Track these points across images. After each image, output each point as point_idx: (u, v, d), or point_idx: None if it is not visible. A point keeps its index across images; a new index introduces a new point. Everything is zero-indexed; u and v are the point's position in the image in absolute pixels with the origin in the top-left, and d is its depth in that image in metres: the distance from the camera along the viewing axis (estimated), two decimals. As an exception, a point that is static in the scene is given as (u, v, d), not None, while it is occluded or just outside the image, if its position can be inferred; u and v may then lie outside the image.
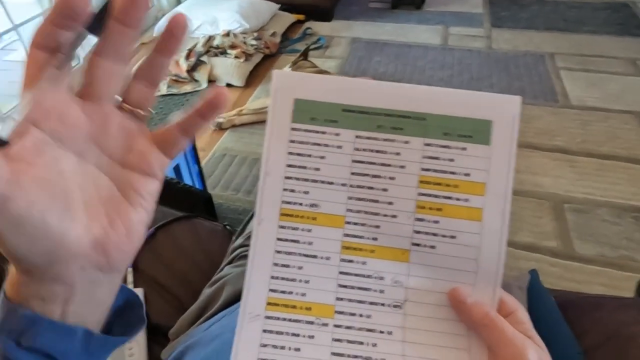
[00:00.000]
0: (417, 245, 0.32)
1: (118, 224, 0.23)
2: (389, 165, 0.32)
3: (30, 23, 1.89)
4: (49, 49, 0.21)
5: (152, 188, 0.25)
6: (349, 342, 0.31)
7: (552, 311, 0.55)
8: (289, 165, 0.33)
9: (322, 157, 0.33)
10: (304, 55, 1.91)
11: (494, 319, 0.29)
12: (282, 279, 0.32)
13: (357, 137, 0.32)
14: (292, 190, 0.33)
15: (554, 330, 0.52)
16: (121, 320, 0.28)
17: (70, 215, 0.21)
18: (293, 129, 0.33)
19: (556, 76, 1.98)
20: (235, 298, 0.52)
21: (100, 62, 0.22)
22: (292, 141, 0.33)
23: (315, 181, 0.33)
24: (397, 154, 0.32)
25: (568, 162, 1.49)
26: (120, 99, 0.24)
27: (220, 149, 1.65)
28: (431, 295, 0.31)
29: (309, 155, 0.33)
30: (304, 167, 0.33)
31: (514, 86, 1.95)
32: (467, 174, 0.31)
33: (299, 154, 0.33)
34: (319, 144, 0.33)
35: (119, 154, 0.24)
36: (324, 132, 0.33)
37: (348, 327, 0.31)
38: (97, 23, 0.21)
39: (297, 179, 0.33)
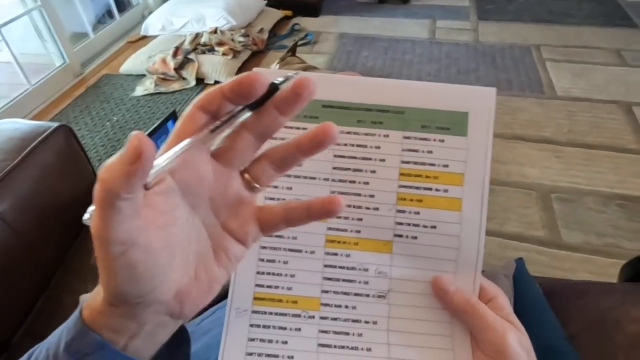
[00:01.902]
0: (400, 236, 0.32)
1: (202, 279, 0.24)
2: (369, 158, 0.33)
3: (14, 23, 1.86)
4: (209, 113, 0.22)
5: (239, 253, 0.26)
6: (335, 333, 0.32)
7: (537, 298, 0.56)
8: None
9: None
10: (292, 51, 1.90)
11: (475, 305, 0.29)
12: (268, 273, 0.33)
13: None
14: (275, 187, 0.33)
15: (540, 316, 0.53)
16: (169, 353, 0.28)
17: (173, 261, 0.23)
18: None
19: (542, 68, 2.00)
20: (227, 293, 0.52)
21: (245, 134, 0.24)
22: (274, 138, 0.33)
23: (298, 177, 0.33)
24: (378, 147, 0.33)
25: (554, 152, 1.52)
26: (243, 168, 0.25)
27: (209, 146, 1.64)
28: (414, 284, 0.32)
29: None
30: None
31: (501, 78, 1.97)
32: (445, 165, 0.32)
33: None
34: None
35: (225, 216, 0.25)
36: (304, 129, 0.33)
37: (334, 319, 0.32)
38: (258, 102, 0.23)
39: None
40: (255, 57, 2.22)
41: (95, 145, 1.68)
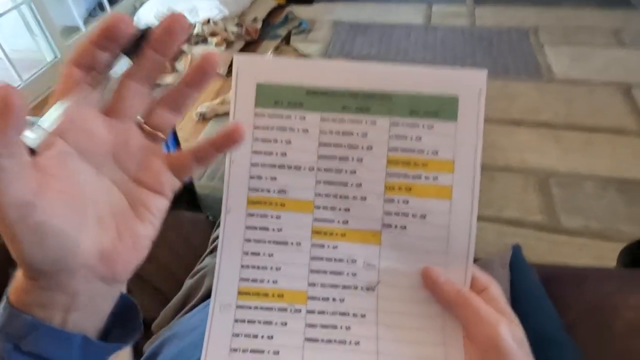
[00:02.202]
0: (388, 226, 0.31)
1: (126, 237, 0.24)
2: (356, 146, 0.31)
3: (4, 19, 1.83)
4: (85, 67, 0.22)
5: (161, 205, 0.26)
6: (323, 326, 0.31)
7: (534, 287, 0.55)
8: (255, 152, 0.32)
9: (288, 142, 0.32)
10: (286, 40, 1.88)
11: (467, 297, 0.28)
12: (253, 267, 0.32)
13: (322, 119, 0.32)
14: (259, 177, 0.32)
15: (536, 305, 0.52)
16: (119, 326, 0.28)
17: (84, 226, 0.22)
18: (257, 114, 0.32)
19: (540, 51, 1.98)
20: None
21: (130, 83, 0.24)
22: (257, 127, 0.32)
23: (282, 167, 0.32)
24: (364, 134, 0.31)
25: (553, 137, 1.50)
26: (142, 119, 0.25)
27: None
28: (404, 276, 0.31)
29: (275, 141, 0.32)
30: (270, 153, 0.32)
31: (498, 63, 1.94)
32: (435, 152, 0.31)
33: (264, 140, 0.32)
34: (284, 129, 0.32)
35: (134, 171, 0.25)
36: (288, 116, 0.32)
37: (321, 312, 0.31)
38: (134, 47, 0.23)
39: (264, 165, 0.32)
40: (250, 47, 2.19)
41: (89, 141, 1.66)
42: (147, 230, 0.25)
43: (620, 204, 1.25)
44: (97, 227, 0.23)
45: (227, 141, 0.26)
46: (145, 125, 0.25)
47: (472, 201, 0.30)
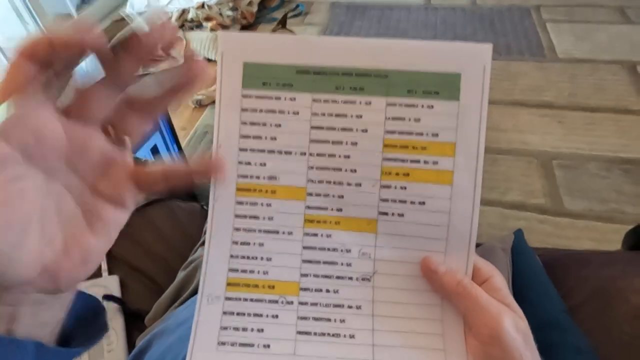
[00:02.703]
0: (385, 214, 0.30)
1: (74, 251, 0.22)
2: (350, 129, 0.30)
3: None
4: (41, 62, 0.19)
5: (118, 218, 0.24)
6: (315, 319, 0.29)
7: (537, 272, 0.54)
8: (243, 136, 0.30)
9: (278, 125, 0.30)
10: (283, 23, 1.84)
11: (468, 287, 0.27)
12: (242, 257, 0.30)
13: (314, 100, 0.30)
14: (248, 163, 0.30)
15: (539, 290, 0.51)
16: (83, 328, 0.26)
17: (24, 241, 0.19)
18: (244, 95, 0.30)
19: (542, 30, 1.93)
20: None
21: (96, 85, 0.21)
22: (244, 109, 0.30)
23: (272, 152, 0.30)
24: (359, 116, 0.30)
25: (556, 117, 1.47)
26: (108, 122, 0.23)
27: (201, 126, 1.60)
28: (401, 266, 0.29)
29: (264, 124, 0.30)
30: (259, 137, 0.30)
31: (500, 43, 1.89)
32: (435, 134, 0.29)
33: (252, 123, 0.30)
34: (273, 111, 0.30)
35: (92, 178, 0.23)
36: (278, 98, 0.30)
37: (314, 304, 0.30)
38: (107, 56, 0.21)
39: (253, 150, 0.30)
40: (245, 30, 2.15)
41: (85, 130, 1.64)
42: (100, 243, 0.23)
43: (625, 185, 1.22)
44: (39, 240, 0.20)
45: (206, 173, 0.25)
46: (110, 129, 0.23)
47: (474, 186, 0.29)
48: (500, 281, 0.28)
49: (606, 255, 0.60)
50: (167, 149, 1.20)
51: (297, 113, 0.30)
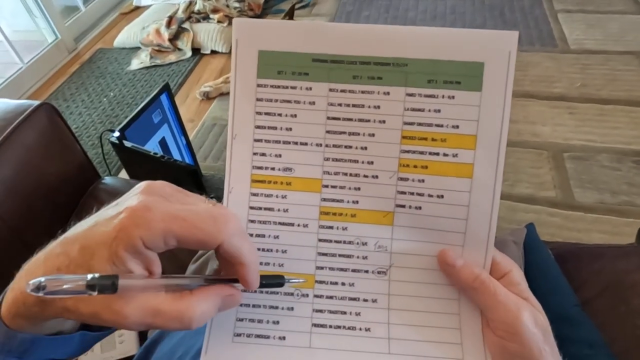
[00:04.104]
0: (402, 206, 0.29)
1: None
2: (367, 120, 0.29)
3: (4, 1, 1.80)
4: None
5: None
6: (331, 312, 0.29)
7: (549, 265, 0.53)
8: (258, 127, 0.30)
9: (293, 116, 0.30)
10: (290, 15, 1.82)
11: (486, 282, 0.27)
12: (258, 249, 0.30)
13: (330, 90, 0.29)
14: (263, 154, 0.30)
15: (552, 284, 0.51)
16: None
17: None
18: (259, 85, 0.30)
19: (554, 19, 1.90)
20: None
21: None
22: (259, 99, 0.30)
23: (287, 143, 0.30)
24: (377, 107, 0.29)
25: (567, 109, 1.45)
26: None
27: (209, 118, 1.60)
28: (418, 259, 0.29)
29: (279, 115, 0.30)
30: (275, 128, 0.30)
31: (510, 33, 1.87)
32: (455, 126, 0.28)
33: (267, 114, 0.30)
34: (289, 101, 0.30)
35: None
36: (294, 87, 0.29)
37: (330, 297, 0.29)
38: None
39: (268, 141, 0.30)
40: (252, 23, 2.14)
41: (94, 122, 1.65)
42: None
43: (637, 177, 1.21)
44: None
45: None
46: None
47: (495, 180, 0.28)
48: (519, 275, 0.28)
49: (620, 249, 0.60)
50: (175, 141, 1.20)
51: (313, 103, 0.29)
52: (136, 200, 0.22)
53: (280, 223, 0.30)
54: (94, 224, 0.23)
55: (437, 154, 0.28)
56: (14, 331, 0.24)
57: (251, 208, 0.30)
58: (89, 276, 0.20)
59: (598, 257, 0.58)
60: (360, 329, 0.29)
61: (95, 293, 0.20)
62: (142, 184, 0.24)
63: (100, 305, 0.22)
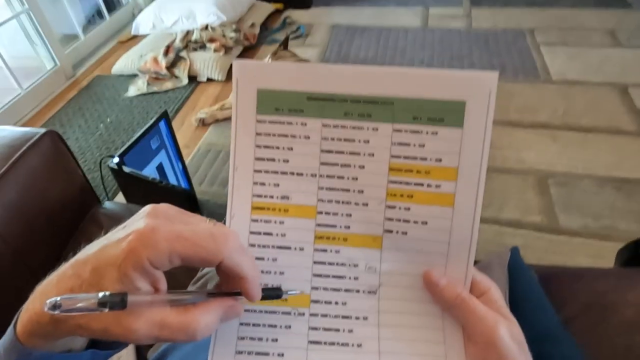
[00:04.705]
0: (390, 231, 0.32)
1: None
2: (358, 153, 0.31)
3: (2, 27, 1.84)
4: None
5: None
6: (326, 329, 0.31)
7: (532, 286, 0.56)
8: (257, 159, 0.32)
9: (290, 149, 0.32)
10: (284, 44, 1.88)
11: (466, 299, 0.29)
12: None
13: (324, 125, 0.31)
14: (262, 184, 0.32)
15: (535, 304, 0.53)
16: None
17: None
18: (258, 120, 0.32)
19: (536, 51, 1.99)
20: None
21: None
22: (259, 134, 0.32)
23: (284, 173, 0.32)
24: (366, 141, 0.31)
25: (550, 136, 1.51)
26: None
27: (204, 144, 1.63)
28: (405, 278, 0.32)
29: (277, 147, 0.32)
30: (273, 160, 0.32)
31: (495, 63, 1.95)
32: (438, 160, 0.30)
33: (266, 147, 0.32)
34: (286, 135, 0.32)
35: None
36: (290, 123, 0.32)
37: (324, 315, 0.32)
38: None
39: (267, 171, 0.32)
40: (248, 52, 2.21)
41: (90, 148, 1.67)
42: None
43: (618, 202, 1.25)
44: None
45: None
46: None
47: (474, 208, 0.30)
48: (497, 293, 0.30)
49: (599, 271, 0.63)
50: (172, 166, 1.22)
51: (308, 137, 0.32)
52: (143, 223, 0.24)
53: (278, 247, 0.32)
54: (104, 246, 0.25)
55: (422, 184, 0.31)
56: (29, 349, 0.26)
57: (251, 233, 0.32)
58: (100, 294, 0.22)
59: (579, 278, 0.61)
60: (353, 345, 0.31)
61: (107, 309, 0.22)
62: (147, 207, 0.26)
63: (111, 321, 0.23)
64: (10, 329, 0.27)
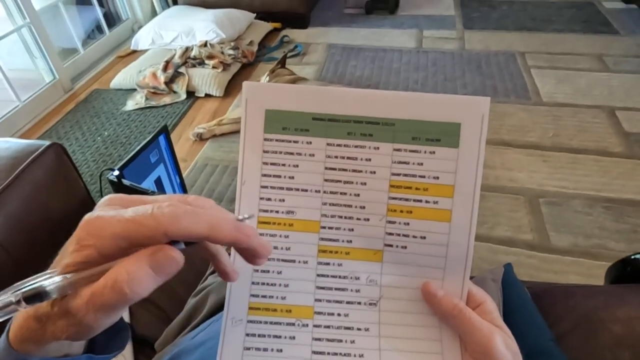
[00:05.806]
0: (390, 245, 0.33)
1: None
2: (360, 171, 0.33)
3: (4, 40, 1.86)
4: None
5: None
6: (329, 340, 0.33)
7: (525, 302, 0.57)
8: (264, 175, 0.34)
9: (295, 166, 0.34)
10: (282, 63, 1.92)
11: (463, 310, 0.31)
12: (263, 284, 0.34)
13: (328, 144, 0.33)
14: (269, 199, 0.34)
15: (527, 320, 0.55)
16: (107, 336, 0.29)
17: None
18: (266, 139, 0.33)
19: (527, 74, 2.05)
20: (220, 306, 0.53)
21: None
22: (266, 151, 0.34)
23: (290, 189, 0.34)
24: (368, 160, 0.33)
25: (541, 157, 1.55)
26: None
27: (201, 158, 1.65)
28: (404, 291, 0.33)
29: (283, 165, 0.34)
30: (279, 176, 0.34)
31: (487, 85, 2.00)
32: (436, 177, 0.32)
33: (273, 164, 0.34)
34: (291, 153, 0.34)
35: None
36: (296, 141, 0.34)
37: (327, 327, 0.33)
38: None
39: (273, 187, 0.34)
40: (245, 69, 2.24)
41: (87, 161, 1.68)
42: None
43: (607, 222, 1.28)
44: None
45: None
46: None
47: (470, 222, 0.32)
48: (492, 305, 0.32)
49: (589, 288, 0.64)
50: (170, 180, 1.23)
51: (313, 155, 0.34)
52: (89, 214, 0.24)
53: (283, 260, 0.33)
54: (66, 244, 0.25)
55: (420, 200, 0.33)
56: (23, 355, 0.26)
57: None
58: (17, 293, 0.23)
59: (570, 295, 0.62)
60: (355, 355, 0.32)
61: (25, 305, 0.22)
62: (101, 200, 0.26)
63: (60, 315, 0.23)
64: (3, 337, 0.27)
